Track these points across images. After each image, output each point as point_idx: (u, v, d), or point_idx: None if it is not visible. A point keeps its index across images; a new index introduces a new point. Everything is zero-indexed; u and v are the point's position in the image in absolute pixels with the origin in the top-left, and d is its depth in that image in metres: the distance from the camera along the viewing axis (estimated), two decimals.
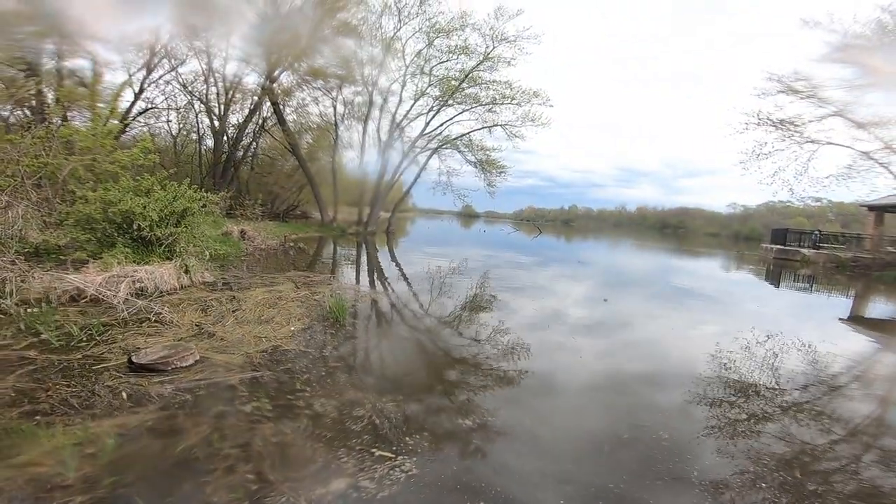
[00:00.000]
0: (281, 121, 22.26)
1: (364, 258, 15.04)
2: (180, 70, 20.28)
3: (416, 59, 22.86)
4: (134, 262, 6.99)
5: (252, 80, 21.74)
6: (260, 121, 23.75)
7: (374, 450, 3.14)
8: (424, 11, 21.65)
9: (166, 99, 21.06)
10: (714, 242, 46.47)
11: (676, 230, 64.06)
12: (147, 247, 7.49)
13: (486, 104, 23.43)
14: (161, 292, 6.62)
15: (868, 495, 2.95)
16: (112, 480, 2.53)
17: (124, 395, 3.55)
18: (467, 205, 28.22)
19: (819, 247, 23.77)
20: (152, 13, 12.66)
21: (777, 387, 4.81)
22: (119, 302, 5.73)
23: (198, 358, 4.42)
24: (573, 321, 7.42)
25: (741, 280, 16.81)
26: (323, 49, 19.70)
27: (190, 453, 2.87)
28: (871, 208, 22.40)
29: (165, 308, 5.76)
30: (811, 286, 15.07)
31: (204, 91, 21.67)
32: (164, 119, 22.21)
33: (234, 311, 6.08)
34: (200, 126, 23.37)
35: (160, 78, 19.63)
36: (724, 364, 5.49)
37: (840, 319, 9.29)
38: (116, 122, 14.69)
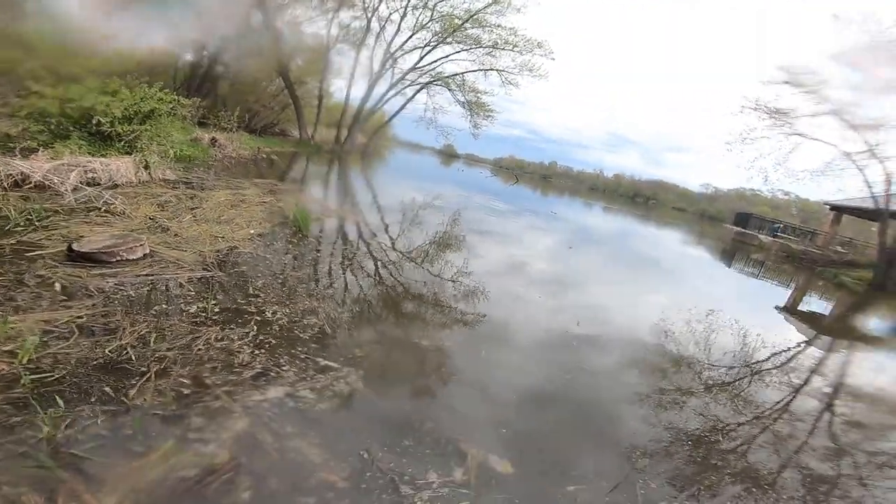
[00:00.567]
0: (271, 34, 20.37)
1: (335, 176, 14.45)
2: None
3: None
4: (89, 153, 6.34)
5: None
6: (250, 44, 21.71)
7: (319, 359, 2.96)
8: None
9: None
10: (680, 217, 47.30)
11: (647, 200, 64.90)
12: (105, 141, 6.76)
13: (486, 47, 21.98)
14: (116, 185, 5.95)
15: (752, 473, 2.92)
16: (30, 379, 2.17)
17: (57, 286, 3.08)
18: (449, 143, 27.48)
19: (776, 235, 24.45)
20: None
21: (707, 363, 4.74)
22: (67, 190, 5.15)
23: (147, 252, 3.94)
24: (533, 273, 7.17)
25: (696, 256, 17.15)
26: None
27: (121, 353, 2.52)
28: (833, 208, 22.65)
29: (118, 199, 5.16)
30: (760, 271, 15.16)
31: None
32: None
33: (192, 209, 5.54)
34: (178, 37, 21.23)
35: None
36: (665, 334, 5.42)
37: (777, 308, 9.32)
38: None
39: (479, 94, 23.59)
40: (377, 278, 5.11)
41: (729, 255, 18.84)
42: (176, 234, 4.61)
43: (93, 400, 2.18)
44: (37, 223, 4.15)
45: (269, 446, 2.13)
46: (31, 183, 5.16)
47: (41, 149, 6.14)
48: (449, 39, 21.68)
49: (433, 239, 7.79)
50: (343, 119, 23.25)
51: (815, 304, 11.40)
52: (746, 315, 7.54)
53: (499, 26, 21.42)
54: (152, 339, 2.73)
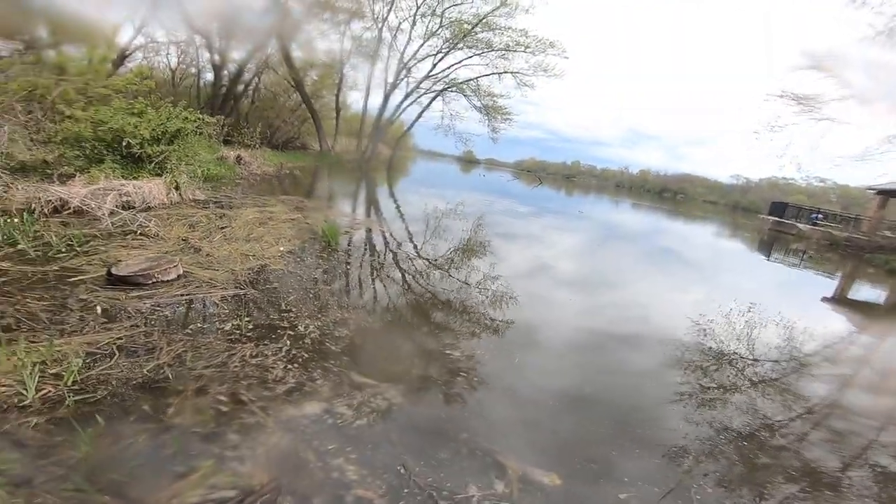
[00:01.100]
0: (286, 56, 20.91)
1: (360, 189, 14.63)
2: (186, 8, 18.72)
3: None
4: (122, 176, 6.59)
5: (258, 15, 20.16)
6: (264, 57, 22.40)
7: (351, 371, 2.96)
8: None
9: (167, 33, 19.67)
10: (711, 209, 45.91)
11: (676, 195, 63.40)
12: (137, 163, 7.01)
13: (498, 50, 21.91)
14: (149, 206, 6.16)
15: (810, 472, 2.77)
16: (75, 401, 2.25)
17: (98, 309, 3.20)
18: (468, 150, 27.42)
19: (816, 223, 23.42)
20: None
21: (750, 359, 4.53)
22: (104, 214, 5.36)
23: (181, 272, 4.05)
24: (564, 274, 7.11)
25: (732, 248, 16.54)
26: None
27: (160, 373, 2.58)
28: (879, 192, 21.90)
29: (152, 221, 5.34)
30: (801, 261, 14.50)
31: (204, 26, 20.19)
32: (163, 53, 20.88)
33: (222, 228, 5.68)
34: (200, 60, 22.00)
35: (162, 14, 18.16)
36: (704, 331, 5.17)
37: (824, 299, 8.91)
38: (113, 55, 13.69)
39: (494, 98, 23.55)
40: (406, 288, 5.12)
41: (767, 246, 18.15)
42: (208, 255, 4.73)
43: (133, 419, 2.23)
44: (77, 249, 4.33)
45: (306, 463, 2.13)
46: (69, 208, 5.38)
47: (78, 174, 6.42)
48: (460, 45, 21.76)
49: (459, 245, 7.77)
50: (362, 130, 23.53)
51: (867, 292, 10.83)
52: (791, 307, 7.22)
53: (509, 28, 21.45)
54: (189, 358, 2.80)
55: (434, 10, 21.26)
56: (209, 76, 21.73)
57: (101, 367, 2.58)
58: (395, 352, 3.44)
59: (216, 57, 20.46)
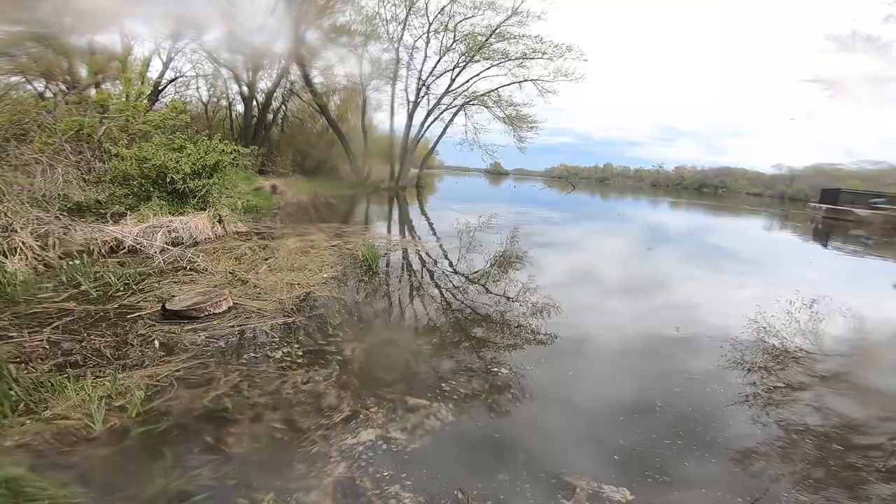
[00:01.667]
0: (308, 82, 21.29)
1: (395, 212, 14.82)
2: (205, 38, 19.79)
3: (439, 15, 21.21)
4: (169, 213, 6.92)
5: (278, 45, 21.07)
6: (288, 84, 23.23)
7: (401, 393, 2.97)
8: None
9: (193, 67, 20.62)
10: (757, 202, 43.97)
11: (717, 190, 61.22)
12: (181, 199, 7.36)
13: (515, 59, 21.78)
14: (195, 241, 6.44)
15: None
16: (140, 432, 2.34)
17: (157, 343, 3.36)
18: (496, 162, 27.30)
19: (876, 208, 22.03)
20: None
21: (818, 354, 4.26)
22: (155, 251, 5.65)
23: (231, 304, 4.21)
24: (609, 280, 6.95)
25: (786, 240, 15.69)
26: (344, 8, 18.83)
27: (218, 403, 2.67)
28: None
29: (200, 256, 5.58)
30: (864, 248, 13.70)
31: (230, 58, 21.22)
32: (194, 87, 21.82)
33: (266, 259, 5.86)
34: (230, 92, 22.74)
35: (186, 46, 19.21)
36: (764, 328, 4.92)
37: None
38: (147, 90, 14.58)
39: (517, 108, 23.39)
40: (447, 305, 5.10)
41: (823, 234, 17.16)
42: (255, 286, 4.89)
43: (196, 450, 2.29)
44: (134, 286, 4.56)
45: (365, 492, 2.11)
46: (124, 248, 5.69)
47: (128, 212, 6.80)
48: (476, 57, 21.74)
49: (497, 259, 7.71)
50: (393, 153, 23.91)
51: None
52: (859, 298, 6.74)
53: (524, 36, 21.24)
54: (245, 388, 2.86)
55: (447, 26, 21.44)
56: (240, 107, 22.66)
57: (162, 399, 2.68)
58: (442, 370, 3.40)
59: (244, 88, 21.41)
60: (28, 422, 2.38)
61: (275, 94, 22.45)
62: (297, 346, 3.53)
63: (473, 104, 23.57)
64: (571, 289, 6.18)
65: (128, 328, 3.63)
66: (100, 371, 2.92)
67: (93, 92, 11.16)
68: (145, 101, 10.12)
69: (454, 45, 21.84)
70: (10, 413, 2.41)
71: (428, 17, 21.36)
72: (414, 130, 23.39)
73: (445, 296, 5.44)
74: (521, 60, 21.92)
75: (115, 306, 4.06)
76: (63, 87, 13.42)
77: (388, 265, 6.58)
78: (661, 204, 30.11)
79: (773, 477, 2.44)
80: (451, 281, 6.15)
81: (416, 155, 25.47)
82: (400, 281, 5.96)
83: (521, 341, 4.13)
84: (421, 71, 22.39)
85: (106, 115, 8.84)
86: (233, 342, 3.57)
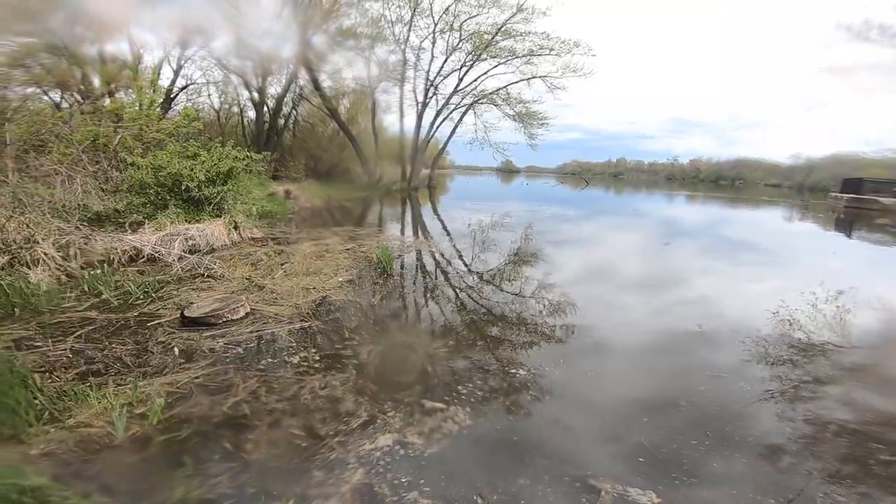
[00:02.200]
0: (317, 86, 21.48)
1: (408, 213, 14.85)
2: (213, 45, 20.01)
3: (444, 15, 21.23)
4: (186, 221, 7.00)
5: (285, 49, 21.18)
6: (297, 89, 23.41)
7: (416, 396, 2.95)
8: None
9: (204, 74, 20.94)
10: (776, 193, 43.04)
11: (733, 182, 60.05)
12: (197, 206, 7.46)
13: (522, 56, 21.61)
14: (212, 248, 6.51)
15: None
16: (161, 440, 2.37)
17: (176, 350, 3.39)
18: (507, 160, 27.16)
19: None
20: None
21: (846, 347, 4.11)
22: (173, 259, 5.73)
23: (248, 310, 4.24)
24: (627, 277, 6.87)
25: (808, 231, 15.32)
26: (350, 11, 18.91)
27: (237, 409, 2.68)
28: None
29: (217, 263, 5.63)
30: (893, 237, 13.39)
31: (239, 64, 21.42)
32: (205, 94, 22.26)
33: (282, 265, 5.91)
34: (241, 99, 23.21)
35: (195, 54, 19.46)
36: (787, 321, 4.77)
37: None
38: (160, 99, 14.83)
39: (527, 105, 23.23)
40: (462, 306, 5.07)
41: (846, 224, 16.72)
42: (272, 291, 4.92)
43: (216, 458, 2.29)
44: (153, 294, 4.63)
45: (383, 499, 2.09)
46: (143, 256, 5.77)
47: (146, 221, 6.90)
48: (483, 56, 21.65)
49: (511, 258, 7.67)
50: (404, 154, 23.96)
51: None
52: (888, 288, 6.52)
53: (530, 33, 21.10)
54: (263, 393, 2.87)
55: (452, 25, 21.39)
56: (251, 113, 22.86)
57: (182, 406, 2.70)
58: (458, 372, 3.37)
59: (255, 94, 21.60)
60: (52, 430, 2.42)
61: (285, 99, 22.58)
62: (313, 350, 3.54)
63: (482, 103, 23.49)
64: (589, 286, 6.11)
65: (148, 336, 3.68)
66: (121, 379, 2.96)
67: (107, 101, 11.38)
68: (158, 109, 10.27)
69: (460, 44, 21.78)
70: (36, 422, 2.46)
71: (433, 17, 21.36)
72: (424, 131, 23.40)
73: (460, 296, 5.42)
74: (528, 57, 21.78)
75: (135, 314, 4.13)
76: (78, 97, 13.77)
77: (402, 267, 6.58)
78: (677, 198, 29.66)
79: (806, 476, 2.35)
80: (465, 281, 6.13)
81: (427, 155, 25.46)
82: (414, 282, 5.95)
83: (539, 340, 4.08)
84: (428, 71, 22.39)
85: (120, 124, 9.00)
86: (251, 348, 3.59)
